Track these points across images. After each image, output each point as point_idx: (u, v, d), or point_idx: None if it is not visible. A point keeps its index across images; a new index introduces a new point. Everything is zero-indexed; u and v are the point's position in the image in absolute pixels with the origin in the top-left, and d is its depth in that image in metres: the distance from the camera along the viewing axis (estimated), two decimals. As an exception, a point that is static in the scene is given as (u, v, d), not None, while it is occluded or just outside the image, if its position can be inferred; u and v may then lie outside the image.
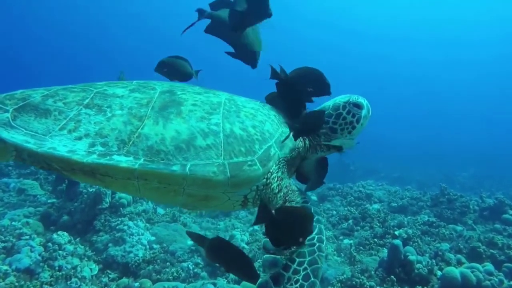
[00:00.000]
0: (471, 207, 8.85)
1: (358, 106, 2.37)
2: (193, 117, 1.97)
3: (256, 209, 1.82)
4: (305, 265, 1.84)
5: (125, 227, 6.28)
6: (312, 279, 1.80)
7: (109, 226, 6.40)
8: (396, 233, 6.38)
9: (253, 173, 1.94)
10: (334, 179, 15.54)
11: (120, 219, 6.53)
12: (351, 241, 6.60)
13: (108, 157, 1.76)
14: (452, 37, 54.74)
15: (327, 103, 2.46)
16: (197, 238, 1.89)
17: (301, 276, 1.80)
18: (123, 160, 1.76)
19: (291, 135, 2.11)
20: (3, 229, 5.30)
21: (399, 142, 43.90)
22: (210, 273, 5.66)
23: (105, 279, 5.29)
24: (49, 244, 4.76)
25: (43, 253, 4.63)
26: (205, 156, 1.87)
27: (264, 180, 2.04)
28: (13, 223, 5.50)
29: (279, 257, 1.87)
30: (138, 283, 4.85)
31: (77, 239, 5.72)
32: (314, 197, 9.65)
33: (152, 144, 1.83)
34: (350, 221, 7.27)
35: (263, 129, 2.10)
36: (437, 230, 6.83)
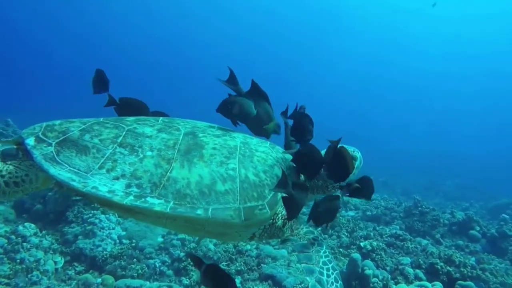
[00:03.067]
0: (441, 221, 9.08)
1: (353, 158, 2.67)
2: (214, 162, 2.21)
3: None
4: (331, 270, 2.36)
5: (97, 221, 6.38)
6: (340, 282, 2.33)
7: (81, 218, 6.48)
8: (362, 244, 6.56)
9: (262, 216, 2.22)
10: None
11: (92, 211, 6.62)
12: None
13: (143, 199, 2.01)
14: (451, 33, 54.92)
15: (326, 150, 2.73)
16: (196, 261, 2.20)
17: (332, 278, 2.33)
18: (156, 203, 2.01)
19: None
20: (-32, 218, 5.36)
21: (390, 146, 44.39)
22: (176, 272, 5.79)
23: (71, 272, 5.39)
24: (12, 236, 4.83)
25: (6, 245, 4.71)
26: (223, 200, 2.13)
27: (271, 220, 2.36)
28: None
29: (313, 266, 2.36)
30: (100, 279, 4.95)
31: (44, 232, 5.78)
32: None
33: (179, 188, 2.08)
34: (319, 229, 7.44)
35: (272, 173, 2.36)
36: (402, 243, 7.03)
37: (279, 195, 2.27)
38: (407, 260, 6.22)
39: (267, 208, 2.21)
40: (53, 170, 2.00)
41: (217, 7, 55.21)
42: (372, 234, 7.27)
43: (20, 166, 2.12)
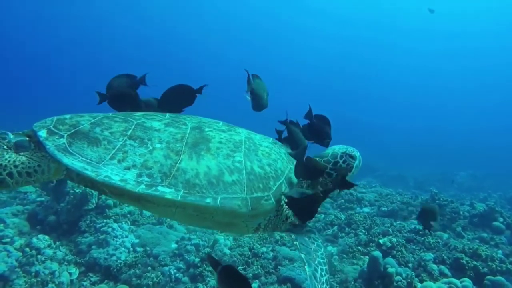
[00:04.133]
0: (461, 213, 8.81)
1: (353, 157, 2.78)
2: (221, 154, 2.30)
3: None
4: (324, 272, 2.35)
5: (109, 229, 6.31)
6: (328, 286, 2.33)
7: (94, 228, 6.42)
8: (381, 241, 6.36)
9: (268, 207, 2.30)
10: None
11: (105, 220, 6.55)
12: (335, 248, 6.59)
13: (154, 188, 2.08)
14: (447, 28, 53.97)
15: (327, 150, 2.87)
16: (213, 263, 2.30)
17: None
18: (167, 191, 2.08)
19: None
20: (-17, 232, 5.33)
21: (398, 138, 43.70)
22: (192, 278, 5.67)
23: (86, 283, 5.32)
24: (27, 249, 4.76)
25: (21, 258, 4.64)
26: (231, 190, 2.20)
27: (276, 211, 2.42)
28: (-5, 225, 5.51)
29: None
30: (115, 289, 4.86)
31: (58, 243, 5.72)
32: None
33: (189, 178, 2.16)
34: (335, 227, 7.26)
35: (276, 166, 2.45)
36: (422, 238, 6.80)
37: (284, 186, 2.39)
38: (429, 255, 5.99)
39: (273, 199, 2.30)
40: (66, 160, 2.08)
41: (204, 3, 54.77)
42: (390, 230, 7.04)
43: (33, 157, 2.18)
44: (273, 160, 2.47)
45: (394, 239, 6.34)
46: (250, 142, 2.50)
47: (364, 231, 7.08)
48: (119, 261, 5.64)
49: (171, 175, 2.14)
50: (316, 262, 2.39)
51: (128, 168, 2.13)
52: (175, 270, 5.72)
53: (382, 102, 60.29)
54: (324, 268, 2.40)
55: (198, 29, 57.54)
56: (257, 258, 5.95)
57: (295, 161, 2.58)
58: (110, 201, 7.02)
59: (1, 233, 5.29)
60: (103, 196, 7.05)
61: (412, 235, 6.96)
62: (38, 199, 7.96)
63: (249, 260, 5.84)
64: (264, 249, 6.28)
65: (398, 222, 8.40)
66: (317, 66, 61.21)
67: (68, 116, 2.38)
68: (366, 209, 9.53)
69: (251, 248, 6.18)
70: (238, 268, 5.58)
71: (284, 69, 59.70)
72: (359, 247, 6.46)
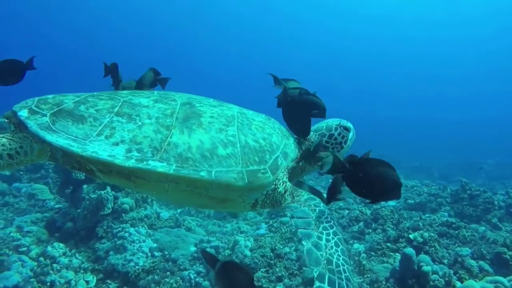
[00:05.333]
0: (496, 203, 8.24)
1: (347, 129, 2.78)
2: (213, 129, 2.22)
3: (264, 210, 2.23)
4: (332, 235, 2.19)
5: (126, 234, 6.13)
6: (341, 246, 2.16)
7: (111, 233, 6.27)
8: (411, 236, 5.93)
9: (265, 180, 2.24)
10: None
11: (121, 225, 6.39)
12: (362, 246, 6.21)
13: (145, 162, 2.00)
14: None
15: (321, 124, 2.84)
16: (209, 260, 2.10)
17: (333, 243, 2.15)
18: (158, 166, 2.00)
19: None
20: (0, 241, 5.23)
21: (420, 128, 42.34)
22: (212, 282, 5.43)
23: (104, 290, 5.16)
24: (41, 258, 4.62)
25: (35, 268, 4.50)
26: (226, 164, 2.13)
27: (273, 186, 2.36)
28: (12, 234, 5.41)
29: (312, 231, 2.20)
30: (134, 297, 4.65)
31: (73, 250, 5.57)
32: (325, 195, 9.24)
33: (181, 151, 2.08)
34: (361, 224, 6.86)
35: (271, 140, 2.40)
36: (457, 232, 6.33)
37: (280, 160, 2.33)
38: (466, 250, 5.53)
39: (269, 173, 2.25)
40: (50, 137, 1.98)
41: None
42: (420, 224, 6.59)
43: (13, 138, 2.08)
44: (267, 134, 2.41)
45: (426, 234, 5.90)
46: (243, 117, 2.44)
47: (392, 226, 6.66)
48: (137, 267, 5.45)
49: (162, 149, 2.06)
50: (321, 228, 2.21)
51: (116, 144, 2.04)
52: (195, 275, 5.49)
53: (398, 94, 58.61)
54: (331, 231, 2.20)
55: (199, 26, 56.77)
56: (280, 259, 5.65)
57: (290, 136, 2.57)
58: (126, 205, 6.86)
59: (18, 242, 5.18)
60: (119, 200, 6.90)
61: (445, 229, 6.50)
62: (56, 206, 7.93)
63: (272, 262, 5.54)
64: (287, 249, 5.97)
65: (427, 215, 7.92)
66: (323, 62, 60.08)
67: (50, 96, 2.27)
68: (392, 203, 9.06)
69: (273, 249, 5.89)
70: (261, 270, 5.29)
71: (292, 66, 58.84)
72: (388, 244, 6.05)
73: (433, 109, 54.68)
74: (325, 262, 2.06)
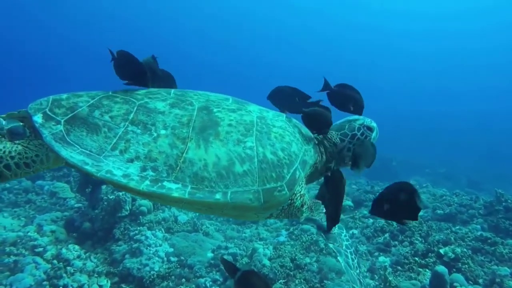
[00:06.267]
0: (535, 217, 7.64)
1: (370, 129, 2.66)
2: (230, 140, 2.12)
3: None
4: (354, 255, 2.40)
5: (143, 238, 6.03)
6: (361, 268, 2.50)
7: (128, 236, 6.19)
8: (441, 251, 5.53)
9: (282, 198, 2.15)
10: (375, 177, 14.49)
11: (138, 228, 6.30)
12: (388, 259, 5.84)
13: (160, 184, 1.93)
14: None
15: (343, 122, 2.70)
16: (229, 268, 2.06)
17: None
18: (173, 188, 1.94)
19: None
20: (18, 240, 5.21)
21: (445, 131, 40.37)
22: (229, 291, 5.23)
23: (119, 294, 5.05)
24: (55, 261, 4.54)
25: (49, 270, 4.42)
26: (242, 183, 2.04)
27: (289, 201, 2.27)
28: (29, 233, 5.39)
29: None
30: (147, 305, 4.50)
31: (88, 253, 5.49)
32: (349, 202, 8.88)
33: (196, 170, 2.00)
34: (387, 235, 6.48)
35: (290, 151, 2.27)
36: (493, 248, 5.86)
37: (298, 172, 2.22)
38: (505, 270, 5.08)
39: (286, 189, 2.15)
40: (65, 152, 1.94)
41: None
42: (452, 238, 6.15)
43: (29, 145, 2.04)
44: (286, 143, 2.29)
45: (458, 249, 5.48)
46: (262, 123, 2.31)
47: (420, 239, 6.25)
48: (152, 272, 5.32)
49: (178, 168, 1.99)
50: (344, 246, 2.33)
51: (131, 161, 1.98)
52: (211, 283, 5.31)
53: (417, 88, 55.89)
54: (351, 250, 2.38)
55: (203, 22, 55.79)
56: (300, 270, 5.38)
57: (311, 139, 2.49)
58: (144, 208, 6.77)
59: (35, 242, 5.14)
60: (137, 203, 6.82)
61: (479, 244, 6.04)
62: (76, 205, 7.94)
63: (291, 273, 5.28)
64: (308, 259, 5.69)
65: (457, 227, 7.44)
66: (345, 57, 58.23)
67: (64, 96, 2.19)
68: (419, 212, 8.59)
69: (293, 259, 5.62)
70: (279, 282, 5.04)
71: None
72: (416, 258, 5.66)
73: (456, 104, 51.95)
74: (358, 282, 2.27)
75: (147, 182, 1.92)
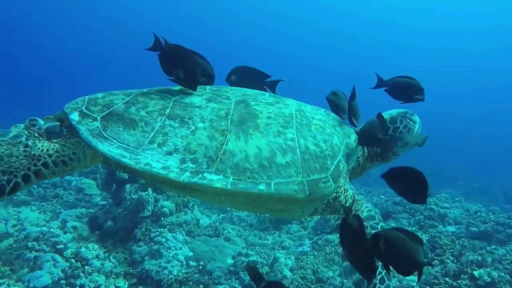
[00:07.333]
0: None
1: (413, 121, 2.59)
2: (270, 132, 2.09)
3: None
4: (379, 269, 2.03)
5: (163, 240, 5.99)
6: (387, 282, 1.99)
7: (149, 237, 6.17)
8: (476, 274, 5.15)
9: (327, 189, 2.11)
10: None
11: (159, 230, 6.28)
12: (415, 278, 5.50)
13: (200, 175, 1.89)
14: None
15: (384, 115, 2.53)
16: (255, 276, 1.98)
17: (377, 280, 1.99)
18: (215, 179, 1.89)
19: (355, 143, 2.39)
20: (41, 235, 5.29)
21: (482, 143, 37.94)
22: (247, 301, 5.09)
23: (137, 297, 5.03)
24: (73, 260, 4.55)
25: (67, 269, 4.44)
26: (286, 174, 1.99)
27: (335, 194, 2.23)
28: (52, 229, 5.47)
29: None
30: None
31: (106, 254, 5.51)
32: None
33: (237, 161, 1.96)
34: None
35: (332, 142, 2.22)
36: (533, 273, 5.40)
37: (342, 164, 2.18)
38: (548, 300, 4.66)
39: (331, 181, 2.11)
40: (102, 146, 1.92)
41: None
42: (488, 259, 5.72)
43: (66, 144, 2.05)
44: (328, 135, 2.24)
45: (495, 273, 5.09)
46: (302, 116, 2.26)
47: (452, 258, 5.86)
48: (170, 276, 5.26)
49: (218, 159, 1.95)
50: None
51: (170, 153, 1.95)
52: (229, 290, 5.19)
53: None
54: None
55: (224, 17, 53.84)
56: (322, 284, 5.15)
57: (351, 134, 2.41)
58: (166, 209, 6.75)
59: (57, 239, 5.20)
60: (160, 203, 6.82)
61: (518, 268, 5.58)
62: (101, 203, 8.07)
63: (313, 286, 5.07)
64: (331, 273, 5.45)
65: (493, 247, 6.95)
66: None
67: (100, 95, 2.19)
68: (450, 228, 8.12)
69: (315, 271, 5.41)
70: (300, 295, 4.85)
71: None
72: (447, 279, 5.29)
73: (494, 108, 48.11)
74: None
75: (187, 173, 1.88)
